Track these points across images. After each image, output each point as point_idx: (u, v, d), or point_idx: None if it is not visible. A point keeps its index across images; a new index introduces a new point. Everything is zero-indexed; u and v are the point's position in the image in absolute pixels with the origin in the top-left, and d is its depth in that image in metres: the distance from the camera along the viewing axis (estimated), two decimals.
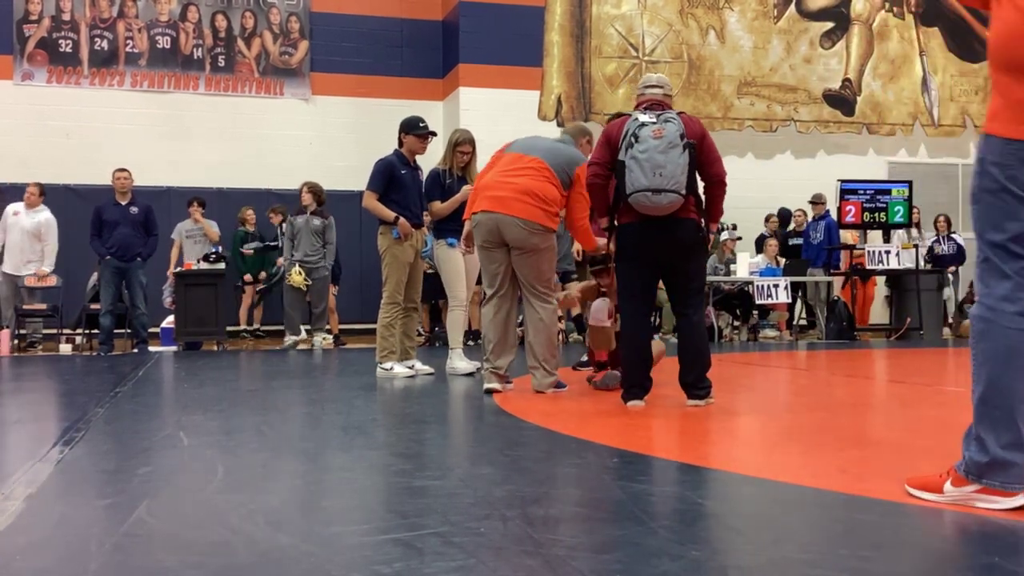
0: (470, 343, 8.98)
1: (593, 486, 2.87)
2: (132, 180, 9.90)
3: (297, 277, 10.22)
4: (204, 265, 10.49)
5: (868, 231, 12.68)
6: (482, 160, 5.89)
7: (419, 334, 9.14)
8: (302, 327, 10.56)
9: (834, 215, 12.14)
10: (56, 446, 3.59)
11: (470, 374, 6.30)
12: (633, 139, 4.38)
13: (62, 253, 10.76)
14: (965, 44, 15.02)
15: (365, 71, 13.67)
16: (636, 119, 4.45)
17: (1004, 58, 2.33)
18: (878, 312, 13.78)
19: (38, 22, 12.76)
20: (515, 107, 12.76)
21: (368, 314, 9.15)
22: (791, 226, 13.11)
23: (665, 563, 1.93)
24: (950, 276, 12.79)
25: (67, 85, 12.78)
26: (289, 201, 11.55)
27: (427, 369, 6.49)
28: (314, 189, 10.39)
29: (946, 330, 12.31)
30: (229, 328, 11.69)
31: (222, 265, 10.59)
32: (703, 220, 4.60)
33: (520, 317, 5.65)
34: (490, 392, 5.15)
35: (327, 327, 10.68)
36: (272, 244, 11.87)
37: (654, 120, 4.41)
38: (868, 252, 11.73)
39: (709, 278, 10.34)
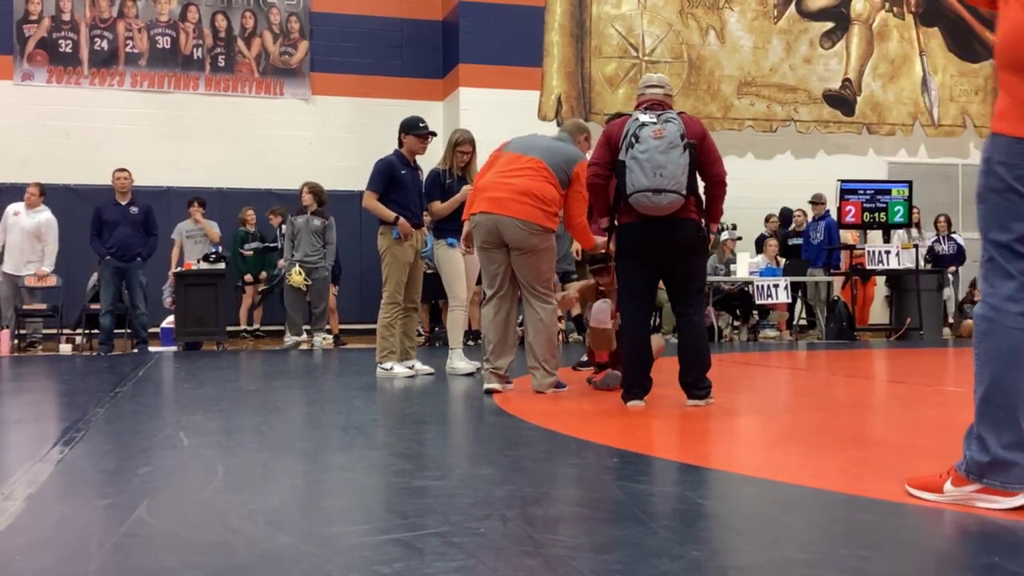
0: (470, 343, 8.98)
1: (593, 486, 2.87)
2: (132, 180, 9.90)
3: (297, 277, 10.22)
4: (204, 265, 10.49)
5: (868, 231, 12.68)
6: (481, 160, 5.89)
7: (419, 334, 9.14)
8: (303, 328, 10.57)
9: (834, 215, 12.14)
10: (56, 446, 3.59)
11: (470, 374, 6.30)
12: (634, 139, 4.38)
13: (62, 253, 10.76)
14: (965, 44, 15.03)
15: (365, 71, 13.67)
16: (636, 119, 4.45)
17: (1011, 57, 2.32)
18: (878, 312, 13.78)
19: (38, 22, 12.76)
20: (515, 107, 12.76)
21: (368, 314, 9.15)
22: (791, 226, 13.12)
23: (665, 563, 1.93)
24: (950, 276, 12.79)
25: (67, 85, 12.78)
26: (289, 201, 11.55)
27: (427, 369, 6.49)
28: (315, 189, 10.40)
29: (946, 330, 12.31)
30: (229, 328, 11.70)
31: (222, 265, 10.59)
32: (703, 220, 4.60)
33: (520, 317, 5.65)
34: (490, 392, 5.15)
35: (327, 327, 10.68)
36: (272, 245, 11.88)
37: (655, 120, 4.41)
38: (868, 252, 11.74)
39: (709, 278, 10.33)
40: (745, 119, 14.16)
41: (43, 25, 12.77)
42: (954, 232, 13.24)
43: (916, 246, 12.10)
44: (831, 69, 14.56)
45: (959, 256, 13.00)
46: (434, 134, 6.59)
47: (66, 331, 10.89)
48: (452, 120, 12.80)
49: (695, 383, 4.54)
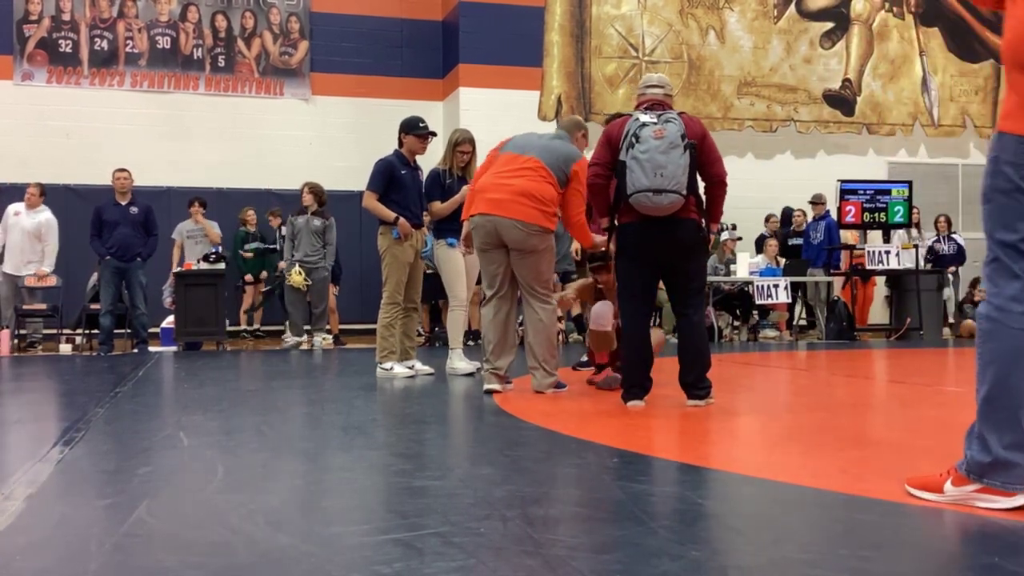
0: (470, 343, 8.98)
1: (593, 486, 2.87)
2: (132, 180, 9.90)
3: (297, 277, 10.22)
4: (204, 265, 10.49)
5: (868, 231, 12.69)
6: (480, 159, 5.88)
7: (419, 334, 9.14)
8: (303, 328, 10.58)
9: (834, 215, 12.15)
10: (56, 446, 3.59)
11: (470, 374, 6.30)
12: (634, 139, 4.38)
13: (62, 253, 10.76)
14: (965, 44, 15.03)
15: (365, 71, 13.67)
16: (637, 119, 4.45)
17: (1019, 56, 2.32)
18: (878, 312, 13.79)
19: (38, 22, 12.77)
20: (515, 107, 12.77)
21: (368, 314, 9.15)
22: (791, 226, 13.11)
23: (665, 563, 1.93)
24: (950, 276, 12.79)
25: (67, 85, 12.78)
26: (289, 201, 11.55)
27: (427, 369, 6.49)
28: (315, 190, 10.40)
29: (946, 330, 12.31)
30: (229, 328, 11.71)
31: (222, 265, 10.59)
32: (703, 220, 4.60)
33: (520, 318, 5.65)
34: (490, 393, 5.15)
35: (327, 327, 10.68)
36: (272, 248, 11.89)
37: (655, 120, 4.41)
38: (868, 252, 11.74)
39: (709, 278, 10.34)
40: (745, 119, 14.16)
41: (43, 25, 12.78)
42: (954, 232, 13.24)
43: (916, 246, 12.11)
44: (831, 69, 14.56)
45: (959, 256, 13.01)
46: (434, 134, 6.59)
47: (66, 331, 10.89)
48: (452, 120, 12.80)
49: (695, 383, 4.54)
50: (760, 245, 12.54)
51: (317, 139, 13.42)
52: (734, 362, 7.99)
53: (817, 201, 12.34)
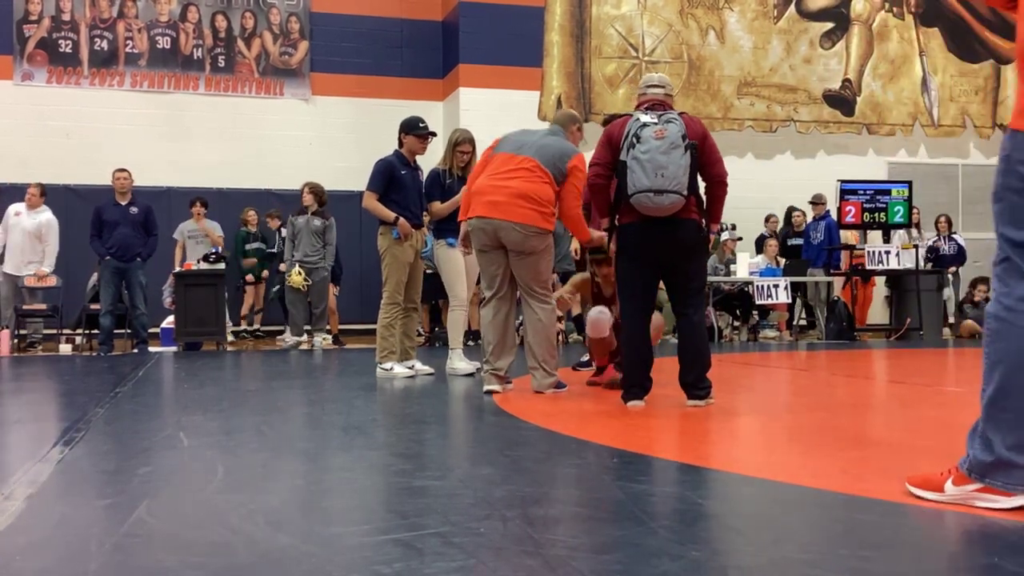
0: (470, 343, 8.98)
1: (593, 486, 2.86)
2: (132, 180, 9.90)
3: (297, 277, 10.23)
4: (204, 265, 10.49)
5: (868, 231, 12.69)
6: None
7: (419, 334, 9.14)
8: (303, 328, 10.58)
9: (834, 215, 12.15)
10: (56, 446, 3.59)
11: (470, 374, 6.30)
12: (635, 139, 4.38)
13: (62, 253, 10.76)
14: (965, 44, 15.03)
15: (365, 71, 13.67)
16: (638, 119, 4.45)
17: None
18: (878, 312, 13.79)
19: (38, 22, 12.77)
20: (515, 107, 12.77)
21: (368, 314, 9.16)
22: (791, 226, 13.12)
23: (665, 563, 1.93)
24: (950, 276, 12.80)
25: (67, 85, 12.78)
26: (289, 201, 11.55)
27: (427, 369, 6.49)
28: (315, 190, 10.40)
29: (946, 330, 12.31)
30: (233, 329, 11.72)
31: (222, 265, 10.59)
32: (704, 220, 4.60)
33: (519, 318, 5.64)
34: (490, 393, 5.15)
35: (327, 327, 10.68)
36: (272, 252, 11.91)
37: (656, 120, 4.41)
38: (868, 252, 11.74)
39: (709, 278, 10.34)
40: (745, 119, 14.16)
41: (43, 25, 12.78)
42: (955, 232, 13.25)
43: (916, 246, 12.11)
44: (831, 69, 14.56)
45: (959, 256, 13.01)
46: (434, 134, 6.59)
47: (66, 331, 10.89)
48: (452, 120, 12.80)
49: (695, 383, 4.54)
50: (760, 245, 12.54)
51: (317, 139, 13.42)
52: (734, 362, 7.99)
53: (817, 201, 12.34)
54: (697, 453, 3.51)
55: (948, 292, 12.66)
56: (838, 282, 12.40)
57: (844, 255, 12.42)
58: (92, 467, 3.24)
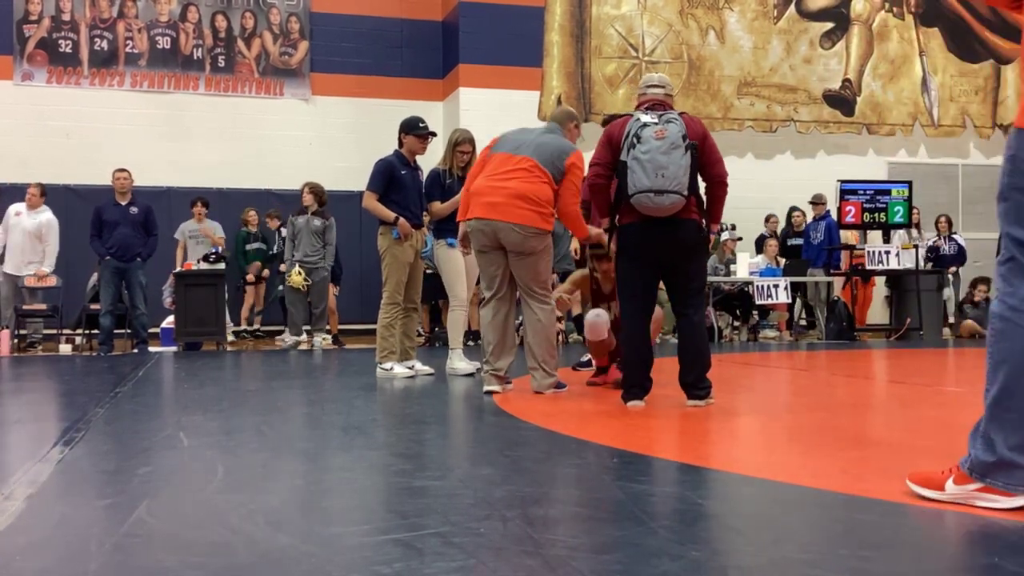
0: (470, 343, 8.98)
1: (593, 486, 2.86)
2: (132, 180, 9.90)
3: (296, 277, 10.23)
4: (204, 265, 10.49)
5: (868, 231, 12.69)
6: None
7: (419, 334, 9.14)
8: (303, 328, 10.58)
9: (834, 215, 12.15)
10: (56, 446, 3.59)
11: (470, 374, 6.30)
12: (635, 140, 4.38)
13: (62, 253, 10.76)
14: (965, 44, 15.03)
15: (365, 71, 13.67)
16: (638, 119, 4.45)
17: None
18: (878, 312, 13.79)
19: (38, 22, 12.77)
20: (515, 107, 12.76)
21: (368, 314, 9.16)
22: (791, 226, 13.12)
23: (665, 563, 1.93)
24: (950, 276, 12.80)
25: (67, 85, 12.78)
26: (289, 201, 11.55)
27: (427, 369, 6.49)
28: (315, 190, 10.40)
29: (946, 330, 12.31)
30: (234, 329, 11.72)
31: (222, 265, 10.59)
32: (704, 220, 4.60)
33: (519, 318, 5.64)
34: (490, 394, 5.15)
35: (327, 327, 10.68)
36: (273, 253, 11.91)
37: (656, 121, 4.41)
38: (868, 252, 11.74)
39: (709, 278, 10.34)
40: (745, 119, 14.16)
41: (43, 25, 12.78)
42: (955, 232, 13.25)
43: (916, 246, 12.11)
44: (831, 69, 14.56)
45: (960, 257, 13.01)
46: (434, 134, 6.59)
47: (66, 331, 10.89)
48: (452, 120, 12.80)
49: (695, 383, 4.54)
50: (760, 245, 12.54)
51: (317, 139, 13.42)
52: (734, 362, 7.99)
53: (817, 201, 12.34)
54: (697, 453, 3.51)
55: (948, 292, 12.67)
56: (838, 282, 12.41)
57: (844, 255, 12.42)
58: (92, 467, 3.24)
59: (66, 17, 12.86)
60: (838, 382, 6.40)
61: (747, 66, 14.18)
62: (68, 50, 12.83)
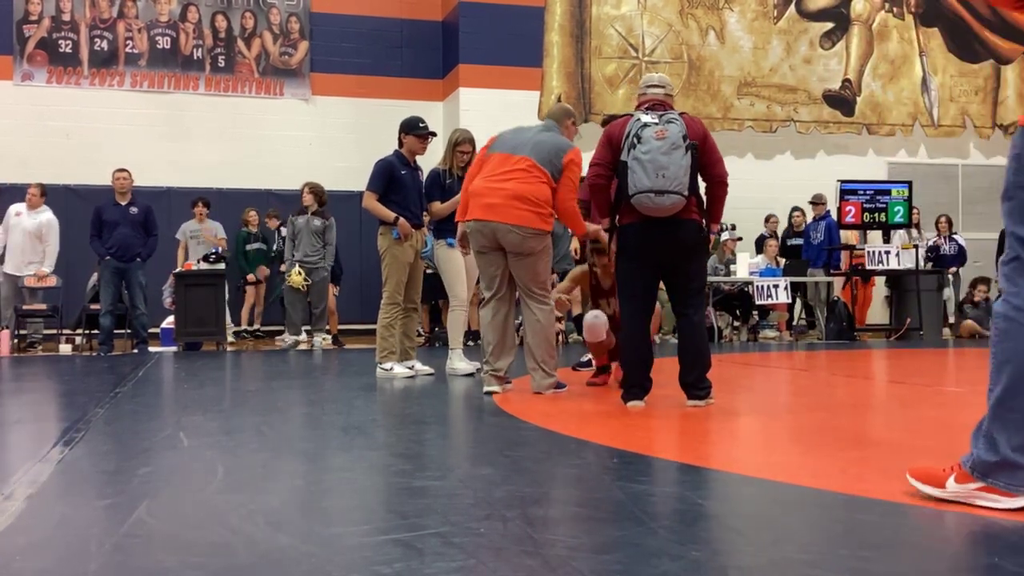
0: (470, 344, 8.98)
1: (593, 486, 2.86)
2: (132, 180, 9.90)
3: (296, 277, 10.23)
4: (204, 265, 10.49)
5: (868, 231, 12.68)
6: None
7: (419, 334, 9.14)
8: (302, 328, 10.57)
9: (834, 215, 12.15)
10: (56, 446, 3.59)
11: (470, 374, 6.30)
12: (636, 140, 4.37)
13: (62, 253, 10.77)
14: (965, 45, 15.03)
15: (365, 71, 13.67)
16: (638, 119, 4.44)
17: None
18: (878, 312, 13.79)
19: (38, 22, 12.77)
20: (515, 107, 12.74)
21: (368, 314, 9.15)
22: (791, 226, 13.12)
23: (665, 563, 1.93)
24: (950, 277, 12.80)
25: (67, 85, 12.78)
26: (289, 201, 11.55)
27: (427, 369, 6.48)
28: (315, 190, 10.40)
29: (946, 330, 12.31)
30: (235, 329, 11.72)
31: (222, 265, 10.59)
32: (704, 221, 4.60)
33: (519, 319, 5.64)
34: (490, 395, 5.15)
35: (327, 327, 10.67)
36: (273, 255, 11.92)
37: (656, 121, 4.41)
38: (868, 252, 11.74)
39: (709, 278, 10.34)
40: (745, 119, 14.16)
41: (43, 25, 12.78)
42: (955, 233, 13.25)
43: (916, 246, 12.11)
44: (831, 69, 14.56)
45: (960, 256, 13.01)
46: (434, 134, 6.59)
47: (66, 331, 10.89)
48: (452, 120, 12.80)
49: (695, 383, 4.54)
50: (760, 245, 12.54)
51: (317, 139, 13.42)
52: (734, 362, 7.99)
53: (817, 201, 12.34)
54: (697, 453, 3.51)
55: (948, 292, 12.67)
56: (838, 282, 12.41)
57: (844, 255, 12.42)
58: (92, 467, 3.24)
59: (66, 17, 12.86)
60: (838, 382, 6.40)
61: (747, 66, 14.18)
62: (68, 50, 12.83)
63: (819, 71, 14.49)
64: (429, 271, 7.56)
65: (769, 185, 13.61)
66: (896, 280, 12.08)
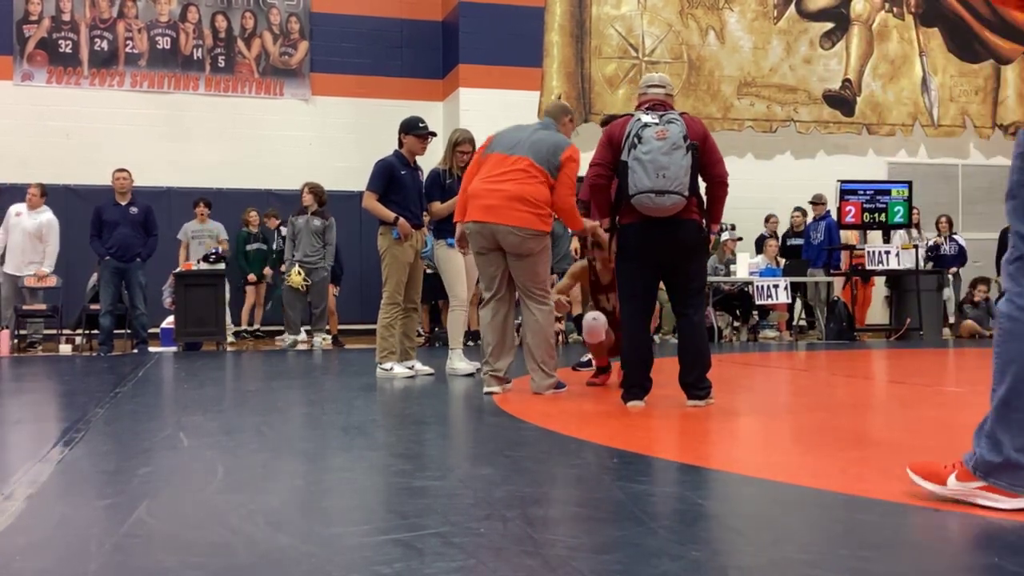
0: (470, 344, 8.98)
1: (593, 486, 2.86)
2: (132, 180, 9.90)
3: (296, 277, 10.22)
4: (204, 265, 10.49)
5: (868, 231, 12.68)
6: None
7: (419, 334, 9.14)
8: (302, 328, 10.57)
9: (834, 215, 12.15)
10: (56, 446, 3.59)
11: (470, 375, 6.30)
12: (636, 140, 4.37)
13: (62, 253, 10.77)
14: (965, 45, 15.03)
15: (365, 71, 13.67)
16: (639, 119, 4.44)
17: None
18: (878, 312, 13.79)
19: (38, 22, 12.77)
20: (515, 107, 12.72)
21: (368, 314, 9.15)
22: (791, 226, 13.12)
23: (665, 563, 1.93)
24: (950, 277, 12.80)
25: (67, 85, 12.78)
26: (289, 201, 11.55)
27: (427, 370, 6.48)
28: (315, 190, 10.40)
29: (946, 331, 12.31)
30: (235, 329, 11.71)
31: (222, 265, 10.59)
32: (704, 221, 4.60)
33: (518, 319, 5.64)
34: (490, 395, 5.14)
35: (327, 328, 10.67)
36: (274, 255, 11.92)
37: (657, 121, 4.41)
38: (868, 252, 11.74)
39: (709, 278, 10.34)
40: (745, 119, 14.16)
41: (43, 25, 12.78)
42: (955, 233, 13.24)
43: (916, 246, 12.11)
44: (831, 69, 14.56)
45: (960, 257, 13.01)
46: (434, 134, 6.59)
47: (66, 331, 10.89)
48: (452, 120, 12.80)
49: (695, 383, 4.54)
50: (760, 245, 12.54)
51: (317, 139, 13.42)
52: (734, 362, 7.99)
53: (817, 201, 12.34)
54: (697, 453, 3.51)
55: (948, 292, 12.67)
56: (838, 282, 12.41)
57: (844, 255, 12.42)
58: (92, 467, 3.24)
59: (66, 17, 12.86)
60: (838, 382, 6.40)
61: (747, 66, 14.18)
62: (68, 50, 12.83)
63: (819, 71, 14.50)
64: (429, 271, 7.56)
65: (769, 185, 13.61)
66: (896, 280, 12.08)
